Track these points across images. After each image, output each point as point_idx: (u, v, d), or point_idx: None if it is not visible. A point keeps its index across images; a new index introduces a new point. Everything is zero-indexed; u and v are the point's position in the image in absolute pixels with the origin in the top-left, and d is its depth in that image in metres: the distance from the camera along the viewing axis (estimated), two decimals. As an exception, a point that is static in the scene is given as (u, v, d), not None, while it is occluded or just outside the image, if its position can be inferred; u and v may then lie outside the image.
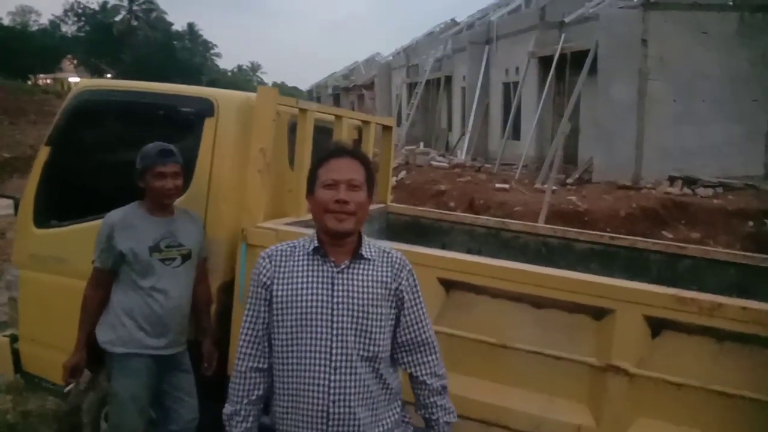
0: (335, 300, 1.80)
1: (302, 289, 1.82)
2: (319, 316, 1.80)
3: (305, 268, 1.85)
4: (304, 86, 64.85)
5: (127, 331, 2.80)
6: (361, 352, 1.81)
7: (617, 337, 2.38)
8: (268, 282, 1.86)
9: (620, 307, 2.38)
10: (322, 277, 1.83)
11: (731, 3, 12.45)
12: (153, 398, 2.91)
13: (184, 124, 3.14)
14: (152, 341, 2.83)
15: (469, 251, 4.35)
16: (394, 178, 13.64)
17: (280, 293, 1.84)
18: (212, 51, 54.54)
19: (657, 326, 2.37)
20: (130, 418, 2.81)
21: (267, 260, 1.89)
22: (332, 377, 1.78)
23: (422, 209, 4.91)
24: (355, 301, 1.81)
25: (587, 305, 2.45)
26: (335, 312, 1.80)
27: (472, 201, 10.97)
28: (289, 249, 1.91)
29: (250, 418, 1.94)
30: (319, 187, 1.86)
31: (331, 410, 1.78)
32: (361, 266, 1.86)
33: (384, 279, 1.87)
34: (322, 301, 1.80)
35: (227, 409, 1.94)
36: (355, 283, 1.83)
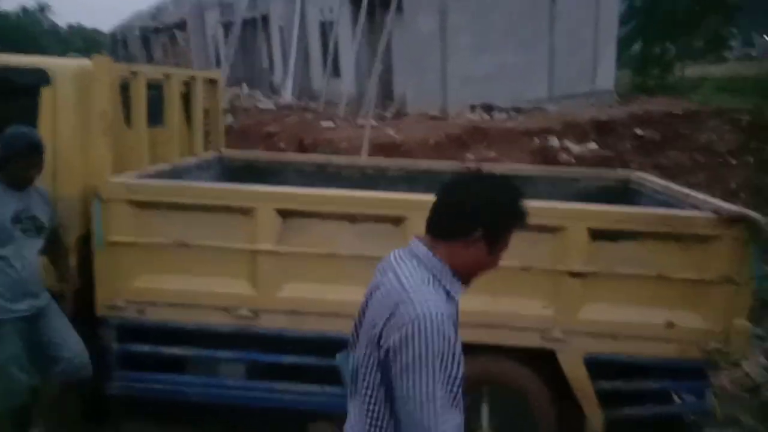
0: None
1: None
2: None
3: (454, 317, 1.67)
4: (105, 27, 58.84)
5: None
6: None
7: (410, 235, 3.21)
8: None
9: (410, 213, 3.21)
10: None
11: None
12: (34, 356, 3.21)
13: (20, 95, 3.35)
14: (15, 306, 3.09)
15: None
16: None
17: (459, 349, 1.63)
18: (-13, -9, 47.14)
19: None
20: (15, 377, 3.11)
21: (449, 322, 1.57)
22: None
23: (255, 152, 5.45)
24: None
25: (388, 215, 3.26)
26: None
27: (301, 141, 11.54)
28: (442, 303, 1.60)
29: None
30: (501, 247, 1.70)
31: None
32: None
33: None
34: None
35: None
36: None
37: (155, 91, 4.10)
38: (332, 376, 3.34)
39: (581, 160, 10.99)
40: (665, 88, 22.09)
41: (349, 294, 3.28)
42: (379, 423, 1.63)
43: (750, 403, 4.53)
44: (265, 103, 16.55)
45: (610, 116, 12.98)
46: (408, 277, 1.62)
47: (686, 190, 3.70)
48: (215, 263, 3.31)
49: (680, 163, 11.17)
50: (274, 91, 20.27)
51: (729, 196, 10.44)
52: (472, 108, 13.11)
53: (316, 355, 3.29)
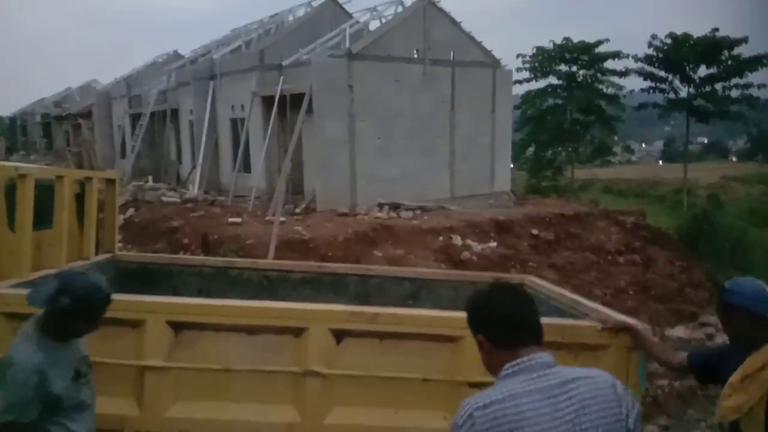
0: None
1: None
2: None
3: None
4: (4, 112, 56.67)
5: None
6: None
7: (311, 347, 3.14)
8: None
9: (312, 325, 3.15)
10: None
11: (415, 57, 15.00)
12: None
13: None
14: None
15: (199, 291, 4.82)
16: (122, 217, 13.17)
17: None
18: None
19: (339, 335, 3.19)
20: None
21: None
22: None
23: (151, 255, 5.23)
24: None
25: (288, 326, 3.17)
26: None
27: (205, 237, 11.26)
28: None
29: None
30: None
31: None
32: None
33: None
34: None
35: None
36: None
37: (46, 189, 3.90)
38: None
39: (483, 258, 11.42)
40: (557, 190, 23.86)
41: (244, 413, 3.12)
42: None
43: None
44: (171, 197, 16.17)
45: (508, 216, 13.72)
46: (587, 370, 1.87)
47: (576, 297, 3.89)
48: (96, 381, 3.05)
49: (573, 262, 11.85)
50: (181, 183, 19.92)
51: (619, 293, 11.14)
52: (380, 206, 13.45)
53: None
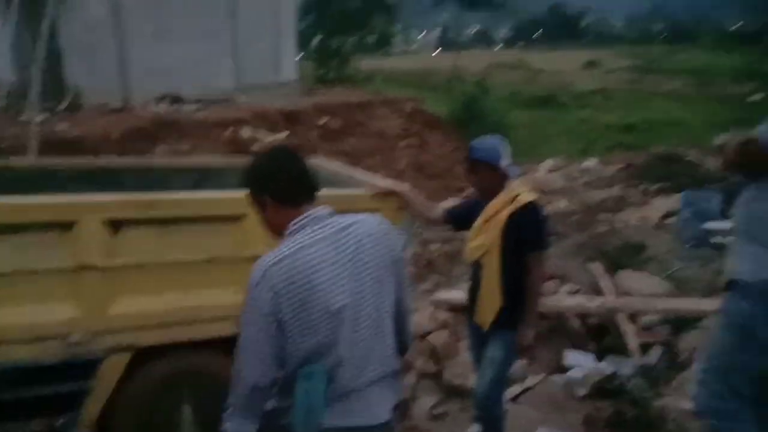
0: None
1: None
2: None
3: None
4: None
5: None
6: None
7: (83, 241, 2.97)
8: None
9: (82, 217, 2.96)
10: None
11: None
12: None
13: None
14: None
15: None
16: None
17: None
18: None
19: (115, 225, 3.06)
20: None
21: None
22: None
23: None
24: None
25: (55, 221, 2.95)
26: None
27: (-57, 142, 9.54)
28: None
29: None
30: None
31: None
32: None
33: None
34: None
35: None
36: None
37: None
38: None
39: (273, 149, 11.43)
40: (343, 80, 24.21)
41: (18, 316, 2.90)
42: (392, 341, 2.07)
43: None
44: None
45: (297, 106, 13.76)
46: (358, 216, 2.09)
47: (351, 172, 4.17)
48: None
49: (359, 149, 12.47)
50: None
51: (398, 174, 12.09)
52: (159, 100, 12.50)
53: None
